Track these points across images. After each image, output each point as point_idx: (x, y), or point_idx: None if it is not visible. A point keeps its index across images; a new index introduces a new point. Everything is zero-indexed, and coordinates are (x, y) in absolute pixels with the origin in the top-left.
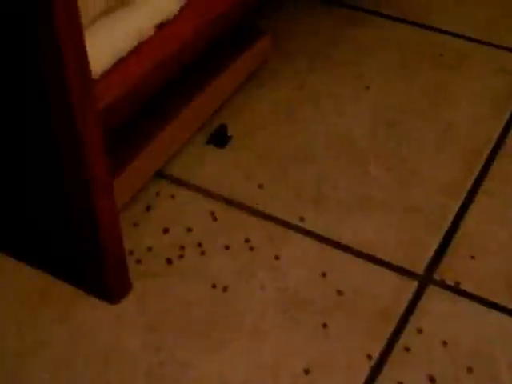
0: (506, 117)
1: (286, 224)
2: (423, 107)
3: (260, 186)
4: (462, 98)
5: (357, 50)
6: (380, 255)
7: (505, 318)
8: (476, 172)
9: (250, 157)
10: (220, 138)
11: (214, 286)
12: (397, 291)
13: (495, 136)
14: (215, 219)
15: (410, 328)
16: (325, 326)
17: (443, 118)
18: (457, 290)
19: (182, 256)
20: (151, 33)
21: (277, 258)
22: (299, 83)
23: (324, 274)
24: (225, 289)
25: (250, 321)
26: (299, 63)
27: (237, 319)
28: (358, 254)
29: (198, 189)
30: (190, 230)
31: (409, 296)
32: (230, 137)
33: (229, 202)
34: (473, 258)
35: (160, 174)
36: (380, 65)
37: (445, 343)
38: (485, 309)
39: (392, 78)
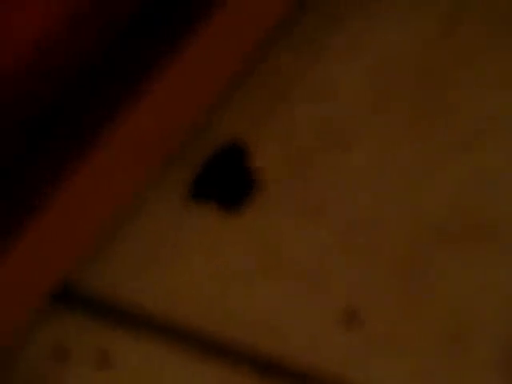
0: None
1: None
2: None
3: (345, 320)
4: None
5: None
6: None
7: None
8: None
9: (311, 237)
10: (228, 183)
11: None
12: None
13: None
14: None
15: None
16: None
17: None
18: None
19: None
20: None
21: None
22: None
23: None
24: None
25: None
26: None
27: None
28: None
29: (172, 336)
30: None
31: None
32: (256, 179)
33: (261, 365)
34: None
35: (66, 297)
36: None
37: None
38: None
39: None
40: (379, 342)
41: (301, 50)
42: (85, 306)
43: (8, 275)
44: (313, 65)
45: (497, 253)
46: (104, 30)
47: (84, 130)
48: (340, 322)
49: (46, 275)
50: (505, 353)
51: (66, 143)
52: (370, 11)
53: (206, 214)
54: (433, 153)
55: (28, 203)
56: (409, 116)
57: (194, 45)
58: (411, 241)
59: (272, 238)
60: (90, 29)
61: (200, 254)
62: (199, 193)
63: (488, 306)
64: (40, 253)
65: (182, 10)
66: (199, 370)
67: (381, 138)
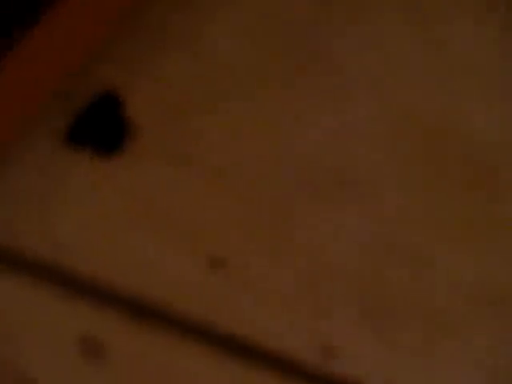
0: None
1: (283, 365)
2: None
3: (214, 265)
4: None
5: None
6: None
7: None
8: None
9: (182, 184)
10: (103, 130)
11: None
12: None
13: None
14: (95, 356)
15: None
16: None
17: None
18: None
19: None
20: None
21: None
22: None
23: None
24: None
25: None
26: None
27: None
28: None
29: (46, 275)
30: None
31: None
32: (130, 127)
33: (130, 307)
34: None
35: None
36: None
37: None
38: None
39: None
40: (243, 286)
41: (180, 4)
42: None
43: None
44: (191, 19)
45: (356, 204)
46: None
47: None
48: (208, 268)
49: None
50: (361, 303)
51: None
52: None
53: (80, 162)
54: (305, 108)
55: None
56: (286, 73)
57: None
58: (276, 191)
59: (143, 186)
60: None
61: (72, 201)
62: (73, 140)
63: (343, 255)
64: None
65: None
66: (68, 308)
67: (255, 93)
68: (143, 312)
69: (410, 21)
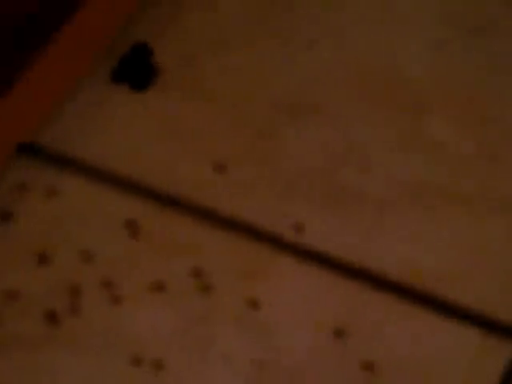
0: None
1: (267, 238)
2: None
3: (219, 169)
4: None
5: None
6: (454, 297)
7: None
8: None
9: (197, 110)
10: (137, 72)
11: (137, 362)
12: (485, 356)
13: None
14: (136, 235)
15: None
16: None
17: None
18: None
19: (75, 307)
20: None
21: (253, 303)
22: None
23: (340, 333)
24: (157, 365)
25: None
26: None
27: None
28: (404, 294)
29: (100, 177)
30: (89, 258)
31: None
32: (156, 69)
33: (160, 200)
34: None
35: (28, 148)
36: None
37: None
38: None
39: None
40: (237, 184)
41: None
42: (41, 155)
43: None
44: None
45: (321, 123)
46: None
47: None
48: (214, 169)
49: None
50: (323, 191)
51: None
52: None
53: (121, 94)
54: (284, 49)
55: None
56: (276, 24)
57: None
58: (264, 114)
59: (170, 112)
60: None
61: (116, 122)
62: (116, 79)
63: (312, 158)
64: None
65: None
66: (114, 199)
67: (252, 42)
68: (169, 202)
69: None
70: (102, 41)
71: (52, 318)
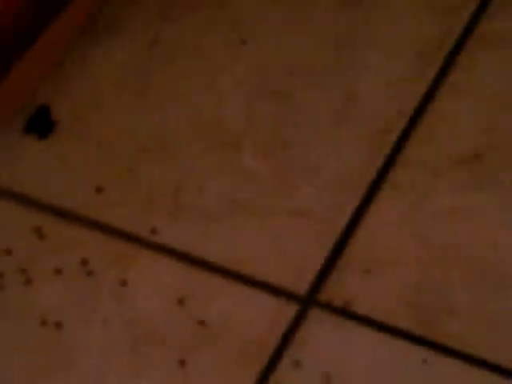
0: (429, 80)
1: (133, 238)
2: (321, 67)
3: (99, 190)
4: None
5: None
6: (253, 274)
7: (402, 343)
8: (381, 159)
9: (84, 149)
10: (42, 125)
11: (43, 323)
12: (272, 318)
13: (410, 108)
14: (41, 237)
15: (286, 361)
16: (183, 363)
17: (344, 82)
18: (345, 313)
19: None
20: None
21: (123, 283)
22: (151, 37)
23: (182, 301)
24: (58, 325)
25: (91, 364)
26: (149, 8)
27: (75, 362)
28: (226, 274)
29: (15, 196)
30: (8, 252)
31: (286, 323)
32: (55, 122)
33: (58, 212)
34: (368, 272)
35: None
36: (260, 7)
37: (328, 376)
38: (379, 334)
39: (278, 26)
40: (117, 200)
41: None
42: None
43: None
44: None
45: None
46: None
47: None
48: (96, 190)
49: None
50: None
51: None
52: None
53: (31, 139)
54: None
55: None
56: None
57: None
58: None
59: (62, 151)
60: None
61: (29, 160)
62: (28, 129)
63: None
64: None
65: None
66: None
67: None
68: (64, 212)
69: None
70: (17, 102)
71: None
